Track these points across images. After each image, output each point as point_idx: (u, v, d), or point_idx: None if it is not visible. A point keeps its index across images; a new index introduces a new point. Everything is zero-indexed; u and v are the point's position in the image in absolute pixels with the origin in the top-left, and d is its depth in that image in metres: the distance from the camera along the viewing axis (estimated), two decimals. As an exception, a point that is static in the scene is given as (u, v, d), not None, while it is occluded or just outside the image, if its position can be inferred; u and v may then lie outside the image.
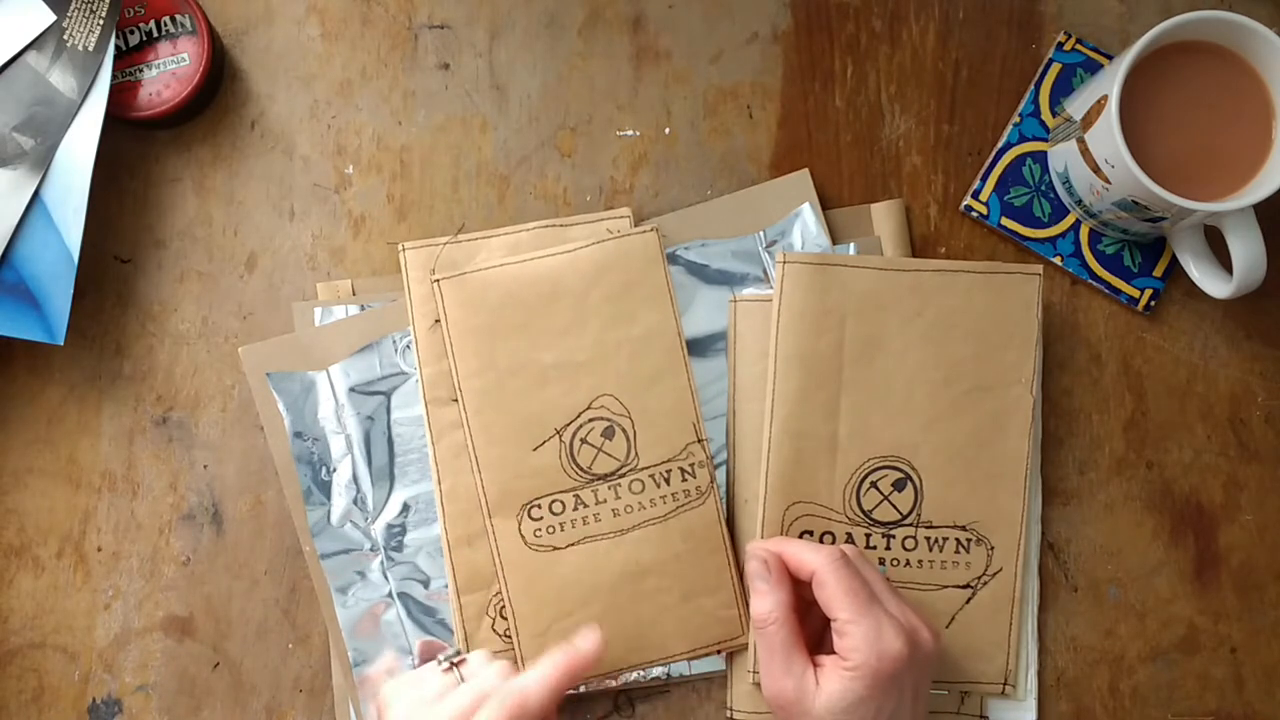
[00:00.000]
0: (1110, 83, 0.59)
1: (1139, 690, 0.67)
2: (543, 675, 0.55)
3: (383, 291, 0.68)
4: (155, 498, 0.67)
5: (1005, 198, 0.68)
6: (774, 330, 0.64)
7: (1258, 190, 0.60)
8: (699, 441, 0.65)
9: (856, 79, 0.69)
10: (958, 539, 0.64)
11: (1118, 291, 0.68)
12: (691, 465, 0.64)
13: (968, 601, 0.64)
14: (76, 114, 0.64)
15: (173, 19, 0.66)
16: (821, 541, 0.63)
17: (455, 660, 0.57)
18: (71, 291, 0.63)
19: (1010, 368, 0.64)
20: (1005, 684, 0.64)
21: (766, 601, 0.59)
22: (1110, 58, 0.68)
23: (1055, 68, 0.68)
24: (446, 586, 0.65)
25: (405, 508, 0.66)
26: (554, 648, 0.57)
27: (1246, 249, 0.60)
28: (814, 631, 0.61)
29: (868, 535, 0.64)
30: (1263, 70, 0.61)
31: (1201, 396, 0.68)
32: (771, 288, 0.66)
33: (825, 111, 0.69)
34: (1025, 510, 0.64)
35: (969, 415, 0.64)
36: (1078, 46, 0.68)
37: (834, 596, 0.57)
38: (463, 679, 0.57)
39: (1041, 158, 0.68)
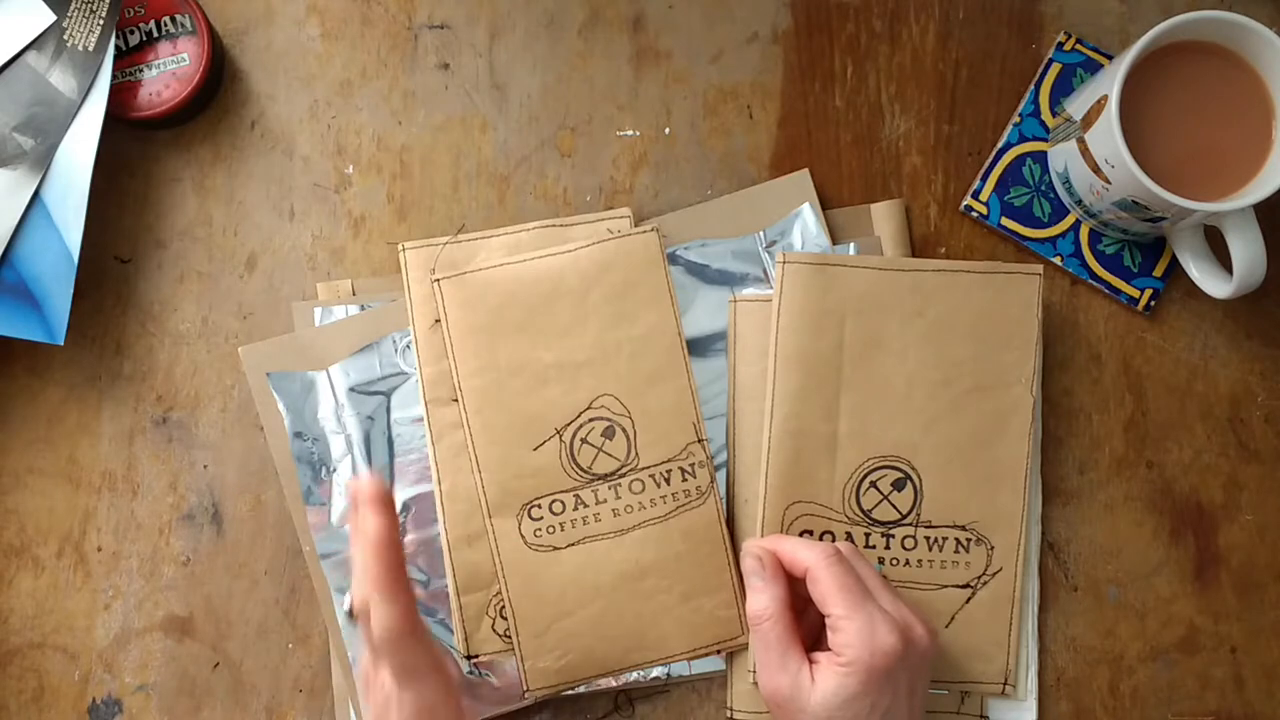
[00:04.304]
0: (1110, 83, 0.59)
1: (1139, 690, 0.67)
2: (375, 605, 0.52)
3: (383, 291, 0.68)
4: (155, 498, 0.67)
5: (1005, 198, 0.68)
6: (774, 330, 0.64)
7: (1258, 190, 0.60)
8: (699, 441, 0.65)
9: (856, 79, 0.69)
10: (957, 539, 0.64)
11: (1118, 291, 0.68)
12: (691, 465, 0.64)
13: (967, 601, 0.64)
14: (76, 114, 0.64)
15: (173, 19, 0.66)
16: (821, 540, 0.63)
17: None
18: (71, 291, 0.63)
19: (1010, 368, 0.64)
20: (1005, 684, 0.64)
21: (761, 598, 0.59)
22: (1110, 58, 0.68)
23: (1055, 68, 0.68)
24: (446, 586, 0.65)
25: (405, 508, 0.66)
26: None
27: (1246, 249, 0.60)
28: (811, 628, 0.61)
29: (867, 535, 0.64)
30: (1263, 70, 0.61)
31: (1201, 396, 0.68)
32: (771, 288, 0.66)
33: (825, 111, 0.69)
34: (1025, 510, 0.64)
35: (969, 415, 0.64)
36: (1078, 46, 0.68)
37: (828, 592, 0.57)
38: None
39: (1041, 158, 0.68)
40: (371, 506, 0.53)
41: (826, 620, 0.57)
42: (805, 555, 0.58)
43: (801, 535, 0.63)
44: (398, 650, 0.52)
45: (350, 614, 0.57)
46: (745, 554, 0.61)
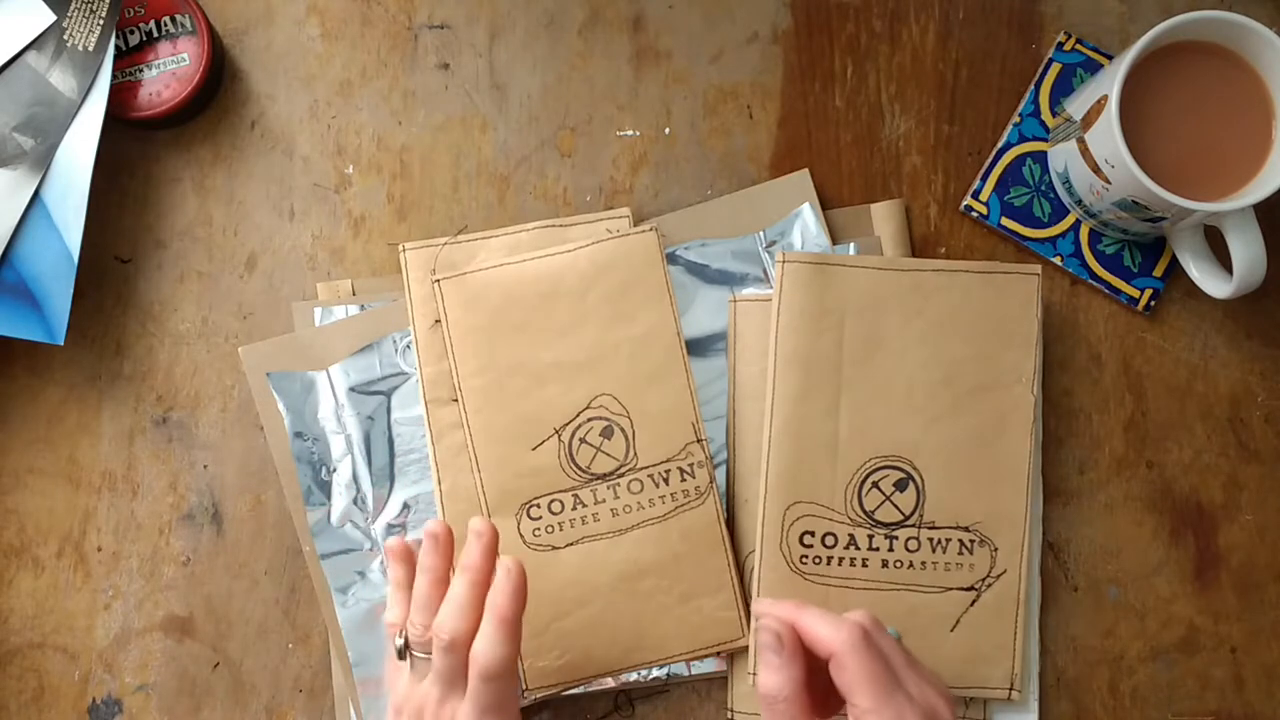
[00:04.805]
0: (1110, 83, 0.59)
1: (1139, 690, 0.67)
2: (492, 639, 0.54)
3: (383, 291, 0.68)
4: (155, 498, 0.67)
5: (1005, 198, 0.68)
6: (774, 330, 0.64)
7: (1258, 190, 0.60)
8: (698, 441, 0.65)
9: (856, 79, 0.69)
10: (961, 540, 0.64)
11: (1118, 291, 0.68)
12: (690, 465, 0.64)
13: (972, 604, 0.64)
14: (76, 114, 0.64)
15: (173, 19, 0.66)
16: (824, 542, 0.63)
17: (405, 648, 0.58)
18: (71, 291, 0.63)
19: (1010, 367, 0.64)
20: (1011, 689, 0.64)
21: (778, 678, 0.54)
22: (1110, 58, 0.68)
23: (1055, 68, 0.68)
24: (446, 586, 0.65)
25: (405, 508, 0.66)
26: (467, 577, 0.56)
27: (1246, 249, 0.60)
28: (821, 687, 0.56)
29: (870, 536, 0.64)
30: (1263, 70, 0.61)
31: (1201, 396, 0.68)
32: (771, 288, 0.66)
33: (825, 111, 0.69)
34: (1028, 511, 0.64)
35: (970, 415, 0.64)
36: (1078, 46, 0.68)
37: (854, 682, 0.52)
38: (412, 664, 0.58)
39: (1041, 158, 0.68)
40: (493, 547, 0.57)
41: (850, 709, 0.53)
42: (829, 636, 0.53)
43: (803, 536, 0.63)
44: (497, 686, 0.54)
45: (404, 648, 0.57)
46: (762, 627, 0.55)
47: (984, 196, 0.68)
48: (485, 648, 0.54)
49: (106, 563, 0.67)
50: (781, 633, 0.54)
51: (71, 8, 0.64)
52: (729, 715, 0.65)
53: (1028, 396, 0.64)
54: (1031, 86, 0.69)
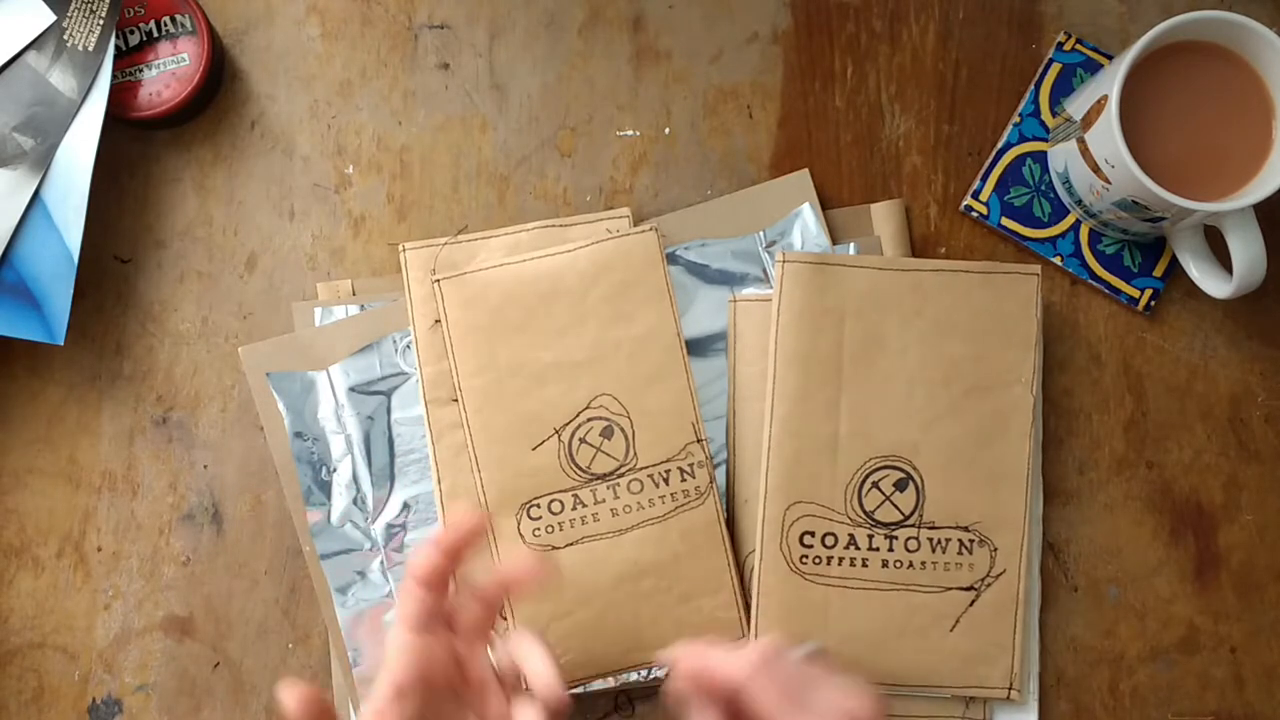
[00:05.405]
0: (1110, 83, 0.59)
1: (1139, 690, 0.67)
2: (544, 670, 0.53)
3: (383, 291, 0.68)
4: (155, 498, 0.67)
5: (1005, 198, 0.68)
6: (774, 330, 0.64)
7: (1258, 190, 0.60)
8: (698, 441, 0.65)
9: (856, 79, 0.69)
10: (960, 540, 0.64)
11: (1118, 291, 0.68)
12: (690, 465, 0.64)
13: (971, 604, 0.64)
14: (76, 114, 0.64)
15: (173, 19, 0.66)
16: (824, 542, 0.63)
17: None
18: (71, 291, 0.63)
19: (1010, 367, 0.64)
20: (1011, 688, 0.64)
21: None
22: (1110, 58, 0.68)
23: (1055, 68, 0.68)
24: (446, 586, 0.65)
25: (405, 508, 0.66)
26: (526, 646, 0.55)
27: (1246, 249, 0.60)
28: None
29: (870, 536, 0.64)
30: (1263, 70, 0.61)
31: (1201, 396, 0.68)
32: (771, 287, 0.66)
33: (825, 111, 0.69)
34: (1027, 511, 0.64)
35: (969, 415, 0.64)
36: (1078, 46, 0.68)
37: (762, 708, 0.52)
38: None
39: (1041, 158, 0.68)
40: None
41: None
42: (731, 671, 0.53)
43: (803, 536, 0.63)
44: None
45: None
46: (674, 680, 0.55)
47: (984, 196, 0.68)
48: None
49: (106, 563, 0.67)
50: (693, 682, 0.54)
51: (71, 8, 0.64)
52: (729, 715, 0.65)
53: (1027, 397, 0.64)
54: (1031, 86, 0.69)
